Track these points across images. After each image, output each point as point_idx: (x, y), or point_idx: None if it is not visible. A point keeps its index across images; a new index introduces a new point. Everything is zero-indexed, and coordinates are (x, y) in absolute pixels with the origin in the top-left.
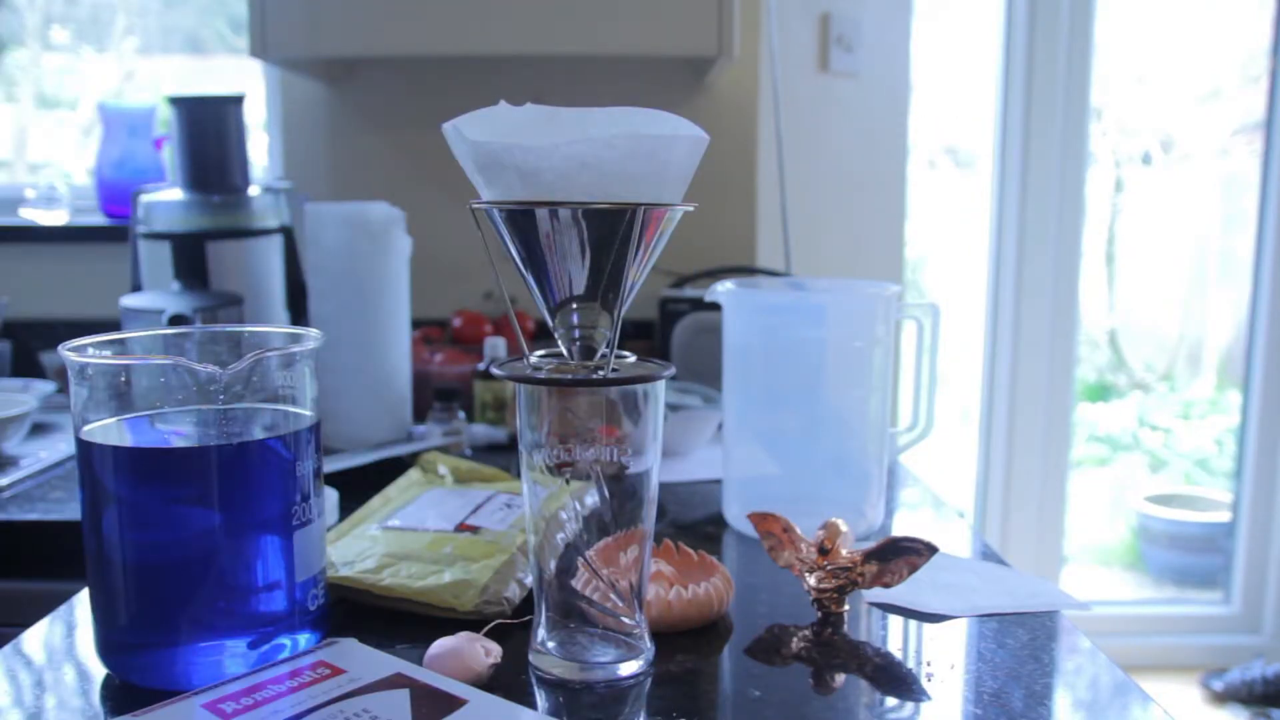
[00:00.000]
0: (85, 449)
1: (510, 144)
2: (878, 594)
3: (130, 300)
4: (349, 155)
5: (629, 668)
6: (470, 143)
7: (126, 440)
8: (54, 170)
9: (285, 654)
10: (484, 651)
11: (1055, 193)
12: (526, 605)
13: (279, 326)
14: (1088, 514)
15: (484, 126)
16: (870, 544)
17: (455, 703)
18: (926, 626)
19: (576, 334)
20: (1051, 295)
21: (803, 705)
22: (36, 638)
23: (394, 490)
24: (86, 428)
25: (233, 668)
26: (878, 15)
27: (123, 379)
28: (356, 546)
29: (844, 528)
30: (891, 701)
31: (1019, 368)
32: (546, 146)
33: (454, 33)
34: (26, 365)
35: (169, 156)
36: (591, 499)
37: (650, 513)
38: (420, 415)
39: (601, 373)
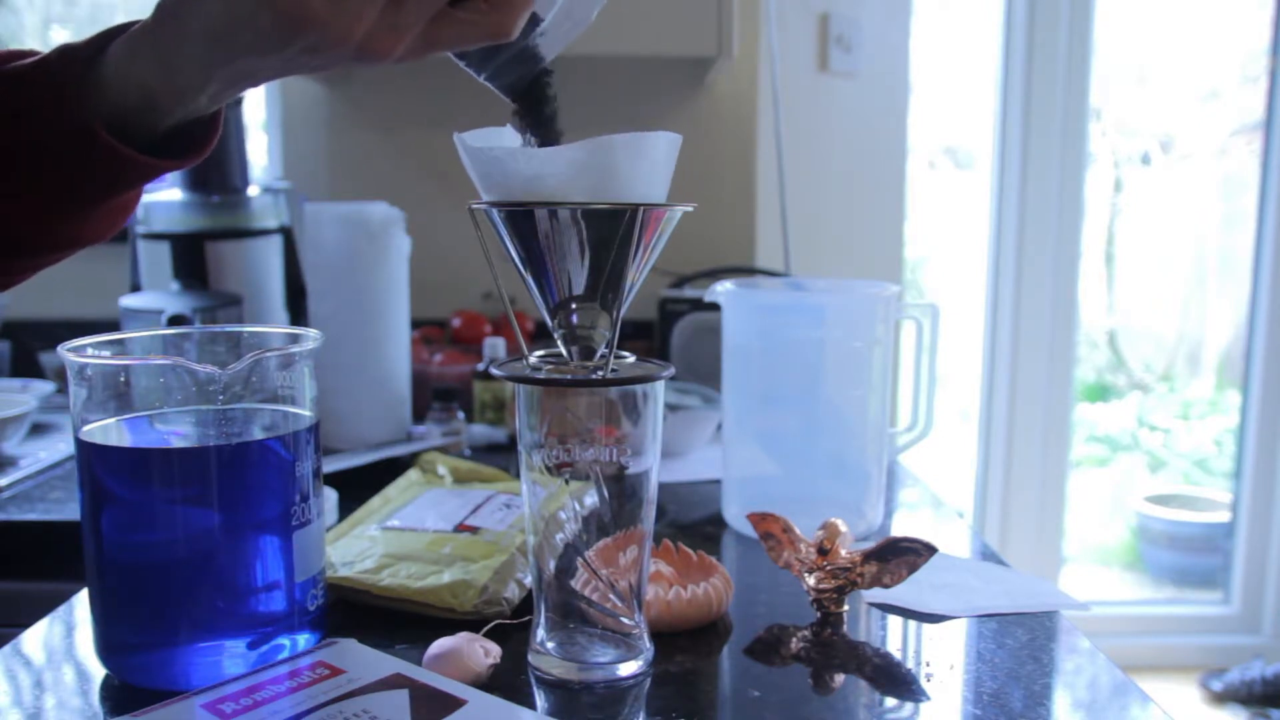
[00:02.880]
0: (85, 449)
1: (511, 149)
2: (877, 594)
3: (129, 300)
4: (348, 155)
5: (628, 668)
6: (473, 150)
7: (126, 440)
8: None
9: (284, 654)
10: (483, 652)
11: (1054, 193)
12: (526, 606)
13: (278, 327)
14: (1087, 514)
15: (489, 138)
16: (869, 544)
17: (455, 703)
18: (926, 627)
19: (576, 334)
20: (1051, 295)
21: (802, 705)
22: (36, 638)
23: (393, 490)
24: (86, 428)
25: (232, 668)
26: (877, 15)
27: (122, 379)
28: (356, 547)
29: (843, 528)
30: (891, 702)
31: (1018, 368)
32: (549, 151)
33: None
34: (26, 365)
35: None
36: (591, 499)
37: (650, 513)
38: (419, 415)
39: (601, 373)
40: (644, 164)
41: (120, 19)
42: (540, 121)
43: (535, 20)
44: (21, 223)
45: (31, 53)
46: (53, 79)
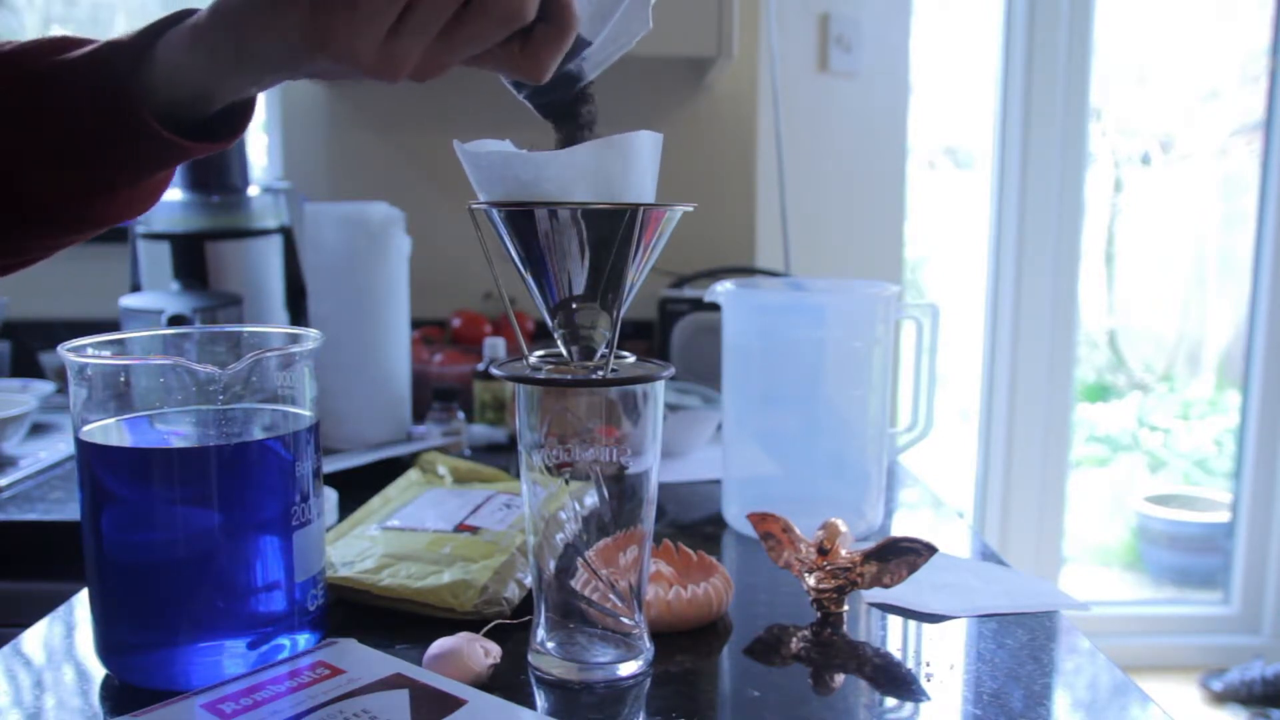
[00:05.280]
0: (85, 449)
1: (510, 154)
2: (877, 594)
3: (129, 300)
4: (349, 155)
5: (628, 668)
6: (471, 155)
7: (126, 440)
8: None
9: (285, 654)
10: (483, 652)
11: (1055, 193)
12: (526, 605)
13: (278, 327)
14: (1087, 514)
15: (487, 147)
16: (869, 544)
17: (455, 703)
18: (926, 627)
19: (576, 334)
20: (1051, 295)
21: (802, 705)
22: (36, 638)
23: (393, 490)
24: (86, 428)
25: (232, 668)
26: (877, 15)
27: (122, 379)
28: (356, 547)
29: (843, 528)
30: (891, 702)
31: (1018, 368)
32: (547, 155)
33: None
34: (26, 365)
35: None
36: (591, 499)
37: (650, 513)
38: (419, 415)
39: (601, 373)
40: (637, 163)
41: (120, 19)
42: (576, 141)
43: (582, 44)
44: (63, 200)
45: (73, 41)
46: (105, 72)
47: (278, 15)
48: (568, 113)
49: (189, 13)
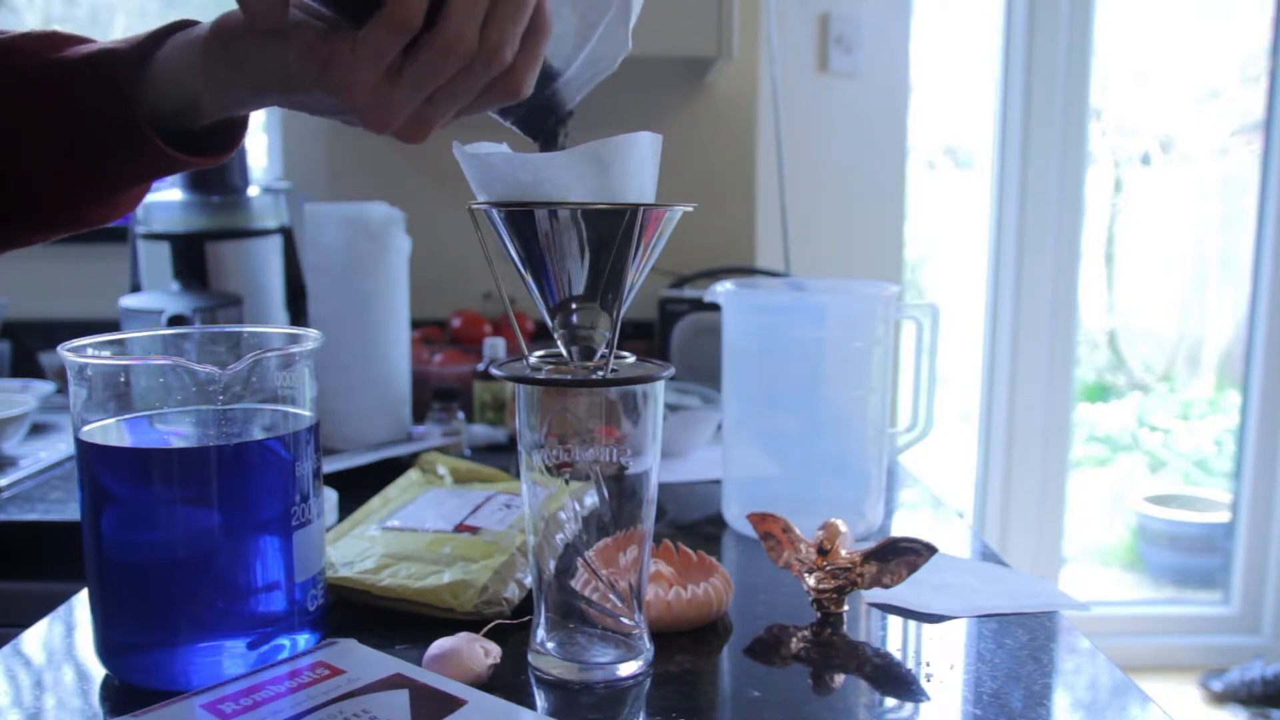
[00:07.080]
0: (84, 449)
1: (509, 156)
2: (877, 594)
3: (129, 301)
4: (349, 155)
5: (628, 668)
6: (470, 157)
7: (126, 440)
8: None
9: (284, 654)
10: (483, 652)
11: (1054, 193)
12: (526, 606)
13: (278, 327)
14: (1087, 514)
15: (486, 150)
16: (869, 544)
17: (454, 703)
18: (926, 627)
19: (576, 334)
20: (1051, 295)
21: (802, 705)
22: (36, 638)
23: (393, 491)
24: (86, 428)
25: (232, 668)
26: (877, 15)
27: (122, 379)
28: (356, 547)
29: (843, 528)
30: (891, 702)
31: (1018, 368)
32: (546, 156)
33: None
34: (26, 365)
35: None
36: (591, 499)
37: (650, 513)
38: (419, 415)
39: (601, 373)
40: (636, 164)
41: (120, 19)
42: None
43: (554, 74)
44: (54, 198)
45: (66, 38)
46: (104, 78)
47: (281, 38)
48: (555, 135)
49: (191, 23)
